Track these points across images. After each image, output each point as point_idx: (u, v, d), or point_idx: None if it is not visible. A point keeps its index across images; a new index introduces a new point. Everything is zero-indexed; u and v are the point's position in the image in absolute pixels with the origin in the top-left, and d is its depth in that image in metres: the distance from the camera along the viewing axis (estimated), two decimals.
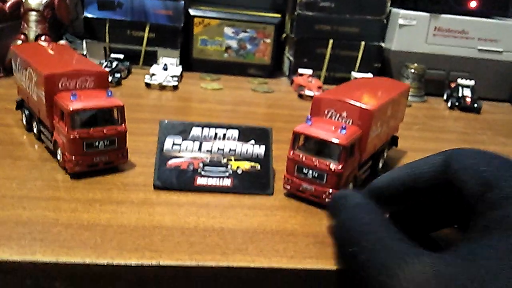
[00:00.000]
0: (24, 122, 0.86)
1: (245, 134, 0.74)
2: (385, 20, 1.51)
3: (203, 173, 0.70)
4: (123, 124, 0.71)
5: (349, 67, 1.54)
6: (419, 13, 1.46)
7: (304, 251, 0.57)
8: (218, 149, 0.73)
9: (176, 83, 1.29)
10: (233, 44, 1.51)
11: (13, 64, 0.88)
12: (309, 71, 1.48)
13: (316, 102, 0.73)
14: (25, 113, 0.85)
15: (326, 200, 0.66)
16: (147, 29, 1.45)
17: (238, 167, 0.72)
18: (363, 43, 1.52)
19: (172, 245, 0.55)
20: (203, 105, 1.19)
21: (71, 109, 0.66)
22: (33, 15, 1.23)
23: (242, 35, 1.51)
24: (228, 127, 0.74)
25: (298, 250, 0.57)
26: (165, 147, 0.72)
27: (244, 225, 0.62)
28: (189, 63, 1.52)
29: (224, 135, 0.74)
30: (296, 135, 0.67)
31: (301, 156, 0.67)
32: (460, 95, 1.41)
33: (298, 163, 0.67)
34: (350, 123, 0.70)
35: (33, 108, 0.80)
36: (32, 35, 1.24)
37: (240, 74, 1.53)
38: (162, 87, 1.28)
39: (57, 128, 0.70)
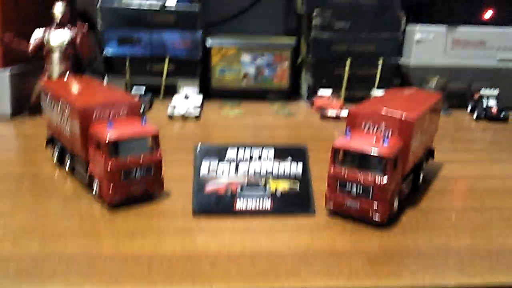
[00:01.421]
0: (55, 158, 0.86)
1: (281, 153, 0.72)
2: (401, 36, 1.51)
3: (241, 196, 0.68)
4: (158, 152, 0.70)
5: (369, 85, 1.53)
6: (436, 27, 1.46)
7: (360, 270, 0.54)
8: (255, 171, 0.71)
9: (197, 113, 1.29)
10: (251, 70, 1.52)
11: (42, 101, 0.89)
12: (329, 92, 1.48)
13: (352, 115, 0.71)
14: (56, 149, 0.85)
15: (374, 216, 0.63)
16: (166, 62, 1.47)
17: (277, 188, 0.70)
18: (380, 60, 1.51)
19: (221, 271, 0.53)
20: (227, 132, 1.18)
21: (108, 139, 0.66)
22: (56, 55, 1.25)
23: (259, 61, 1.52)
24: (264, 146, 0.73)
25: (354, 270, 0.54)
26: (201, 172, 0.70)
27: (292, 247, 0.59)
28: (208, 93, 1.52)
29: (260, 155, 0.72)
30: (335, 150, 0.66)
31: (343, 171, 0.65)
32: (485, 105, 1.39)
33: (340, 179, 0.65)
34: (390, 135, 0.68)
35: (65, 143, 0.80)
36: (55, 74, 1.26)
37: (259, 100, 1.53)
38: (184, 118, 1.28)
39: (93, 159, 0.70)
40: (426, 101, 0.80)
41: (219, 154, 0.72)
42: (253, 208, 0.68)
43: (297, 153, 0.73)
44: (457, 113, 1.45)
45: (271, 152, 0.72)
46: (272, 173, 0.71)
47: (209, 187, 0.69)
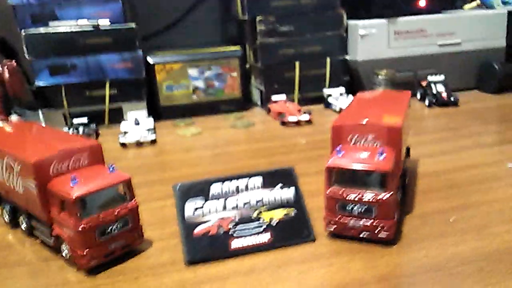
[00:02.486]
0: (7, 219, 0.74)
1: (269, 180, 0.67)
2: (344, 34, 1.51)
3: (235, 234, 0.62)
4: (133, 200, 0.62)
5: (320, 85, 1.52)
6: (377, 21, 1.47)
7: None
8: (245, 203, 0.65)
9: (153, 137, 1.20)
10: (200, 84, 1.45)
11: None
12: (283, 96, 1.45)
13: (337, 130, 0.67)
14: (6, 209, 0.73)
15: (380, 234, 0.60)
16: (107, 86, 1.36)
17: (271, 218, 0.64)
18: (328, 59, 1.51)
19: None
20: (191, 154, 1.11)
21: (75, 196, 0.57)
22: None
23: (207, 73, 1.45)
24: (250, 175, 0.67)
25: None
26: (186, 214, 0.63)
27: (305, 285, 0.54)
28: (157, 112, 1.43)
29: (247, 185, 0.66)
30: (330, 170, 0.62)
31: (341, 192, 0.61)
32: (435, 92, 1.43)
33: (339, 200, 0.61)
34: (378, 145, 0.65)
35: (18, 202, 0.69)
36: None
37: (212, 113, 1.46)
38: (139, 144, 1.19)
39: (59, 220, 0.60)
40: (400, 102, 0.78)
41: (202, 191, 0.65)
42: (250, 245, 0.62)
43: (285, 177, 0.68)
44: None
45: (259, 180, 0.67)
46: (262, 202, 0.66)
47: (198, 230, 0.62)
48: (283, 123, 1.30)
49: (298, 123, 1.29)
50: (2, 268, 0.62)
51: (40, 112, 1.34)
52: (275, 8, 1.44)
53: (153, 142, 1.20)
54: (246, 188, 0.66)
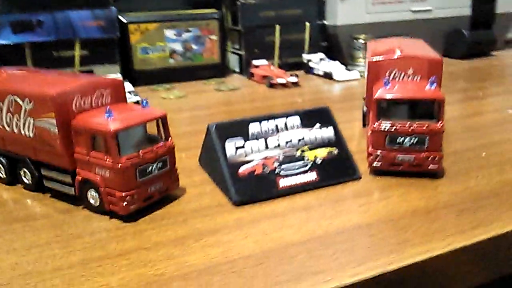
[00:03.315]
0: (2, 174, 0.64)
1: (307, 119, 0.63)
2: None
3: (282, 173, 0.58)
4: (170, 140, 0.56)
5: (299, 51, 1.49)
6: None
7: (463, 223, 0.49)
8: (286, 142, 0.61)
9: (137, 98, 1.11)
10: (178, 47, 1.37)
11: None
12: (264, 61, 1.40)
13: (374, 66, 0.65)
14: (1, 163, 0.63)
15: (430, 166, 0.59)
16: (77, 46, 1.23)
17: (316, 157, 0.61)
18: (307, 24, 1.48)
19: (316, 262, 0.43)
20: (183, 115, 1.04)
21: (113, 129, 0.50)
22: None
23: (185, 35, 1.37)
24: (287, 115, 0.63)
25: (456, 224, 0.49)
26: (228, 154, 0.58)
27: (372, 215, 0.52)
28: (131, 77, 1.33)
29: (286, 124, 0.62)
30: (380, 103, 0.59)
31: (392, 124, 0.59)
32: None
33: (389, 134, 0.59)
34: (419, 79, 0.64)
35: (22, 150, 0.60)
36: None
37: (191, 79, 1.38)
38: None
39: (88, 162, 0.53)
40: (421, 44, 0.78)
41: (241, 131, 0.60)
42: (298, 183, 0.58)
43: (322, 117, 0.64)
44: None
45: (296, 119, 0.63)
46: (305, 141, 0.62)
47: (243, 169, 0.57)
48: (271, 85, 1.26)
49: (285, 85, 1.26)
50: (16, 223, 0.53)
51: None
52: None
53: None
54: (286, 127, 0.62)
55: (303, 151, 0.61)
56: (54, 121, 0.53)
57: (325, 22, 1.51)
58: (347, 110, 0.95)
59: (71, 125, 0.53)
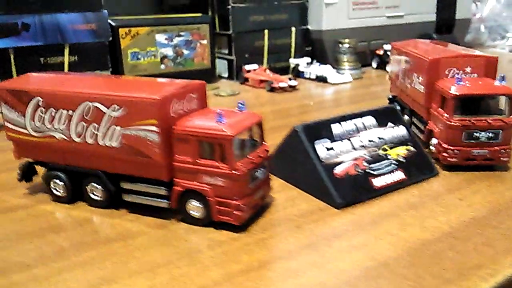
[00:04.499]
0: (61, 192, 0.57)
1: (381, 118, 0.64)
2: (307, 3, 1.52)
3: (373, 172, 0.58)
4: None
5: (285, 55, 1.50)
6: None
7: None
8: (370, 141, 0.61)
9: None
10: (169, 52, 1.31)
11: None
12: (255, 66, 1.40)
13: (435, 64, 0.67)
14: (59, 179, 0.56)
15: (502, 159, 0.62)
16: (66, 51, 1.14)
17: (398, 155, 0.62)
18: (293, 29, 1.50)
19: (466, 257, 0.44)
20: None
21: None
22: None
23: (176, 40, 1.32)
24: (361, 115, 0.63)
25: None
26: (320, 156, 0.57)
27: (480, 206, 0.53)
28: None
29: (363, 124, 0.62)
30: (456, 99, 0.61)
31: (469, 120, 0.61)
32: None
33: (467, 129, 0.61)
34: (475, 77, 0.67)
35: (92, 164, 0.54)
36: None
37: None
38: None
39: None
40: (451, 44, 0.82)
41: (326, 132, 0.59)
42: (390, 183, 0.58)
43: (391, 115, 0.65)
44: (366, 71, 1.55)
45: (371, 119, 0.63)
46: (385, 140, 0.62)
47: (338, 171, 0.56)
48: (272, 89, 1.26)
49: (283, 89, 1.26)
50: (114, 243, 0.48)
51: None
52: None
53: None
54: (364, 127, 0.62)
55: (385, 150, 0.61)
56: (154, 128, 0.48)
57: (308, 27, 1.54)
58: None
59: (172, 132, 0.49)
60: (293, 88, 1.27)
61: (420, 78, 0.72)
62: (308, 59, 1.49)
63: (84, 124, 0.52)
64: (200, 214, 0.50)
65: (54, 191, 0.58)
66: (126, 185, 0.54)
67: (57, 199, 0.58)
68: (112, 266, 0.44)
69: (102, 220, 0.53)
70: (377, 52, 1.59)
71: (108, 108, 0.50)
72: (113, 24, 1.21)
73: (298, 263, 0.43)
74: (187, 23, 1.33)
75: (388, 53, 1.54)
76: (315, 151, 0.57)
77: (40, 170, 0.61)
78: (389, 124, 0.64)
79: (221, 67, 1.50)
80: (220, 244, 0.47)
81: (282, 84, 1.25)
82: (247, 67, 1.39)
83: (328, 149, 0.58)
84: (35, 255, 0.46)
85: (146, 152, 0.50)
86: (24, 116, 0.56)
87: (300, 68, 1.45)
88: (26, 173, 0.61)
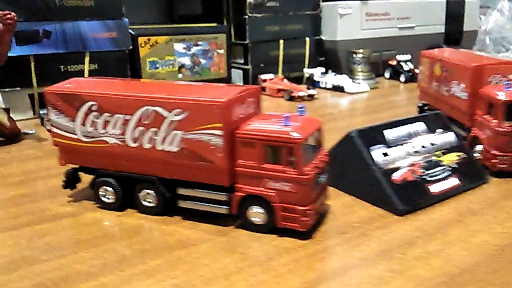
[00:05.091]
0: (111, 199, 0.55)
1: (431, 124, 0.64)
2: (320, 14, 1.53)
3: (429, 178, 0.57)
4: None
5: (300, 65, 1.51)
6: (352, 2, 1.52)
7: None
8: (422, 146, 0.60)
9: None
10: (186, 61, 1.31)
11: None
12: (271, 75, 1.39)
13: (479, 71, 0.67)
14: (111, 185, 0.55)
15: None
16: (86, 60, 1.13)
17: (450, 161, 0.61)
18: (307, 39, 1.50)
19: None
20: None
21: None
22: None
23: (194, 49, 1.32)
24: (411, 120, 0.63)
25: None
26: (377, 162, 0.56)
27: None
28: None
29: (415, 130, 0.62)
30: (506, 105, 0.61)
31: None
32: (406, 69, 1.53)
33: None
34: None
35: (147, 170, 0.52)
36: None
37: None
38: None
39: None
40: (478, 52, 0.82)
41: (380, 137, 0.58)
42: (446, 189, 0.57)
43: (439, 122, 0.65)
44: (379, 81, 1.55)
45: (421, 125, 0.63)
46: (437, 146, 0.62)
47: (396, 177, 0.55)
48: (291, 98, 1.25)
49: (302, 98, 1.26)
50: (177, 251, 0.46)
51: None
52: None
53: None
54: (416, 133, 0.62)
55: (438, 156, 0.61)
56: (218, 132, 0.47)
57: (322, 37, 1.55)
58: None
59: (235, 136, 0.48)
60: (311, 97, 1.27)
61: (462, 85, 0.72)
62: (322, 69, 1.49)
63: (142, 128, 0.51)
64: (262, 220, 0.49)
65: (103, 198, 0.56)
66: (183, 191, 0.52)
67: (105, 206, 0.56)
68: (184, 274, 0.42)
69: (157, 227, 0.52)
70: (390, 62, 1.59)
71: (169, 112, 0.49)
72: (132, 33, 1.21)
73: (378, 270, 0.42)
74: (205, 32, 1.33)
75: (402, 63, 1.56)
76: (371, 156, 0.56)
77: (84, 177, 0.59)
78: (438, 130, 0.64)
79: (235, 76, 1.49)
80: (288, 251, 0.46)
81: (301, 93, 1.25)
82: (263, 76, 1.39)
83: (384, 154, 0.57)
84: (98, 263, 0.44)
85: (208, 157, 0.49)
86: (74, 121, 0.54)
87: (315, 78, 1.45)
88: (71, 180, 0.59)
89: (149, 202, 0.54)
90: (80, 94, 0.54)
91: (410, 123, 0.62)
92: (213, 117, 0.47)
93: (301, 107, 0.52)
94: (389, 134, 0.60)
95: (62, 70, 1.11)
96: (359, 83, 1.40)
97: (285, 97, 1.27)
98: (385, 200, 0.54)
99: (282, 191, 0.47)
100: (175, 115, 0.49)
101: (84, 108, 0.54)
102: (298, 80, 1.47)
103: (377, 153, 0.57)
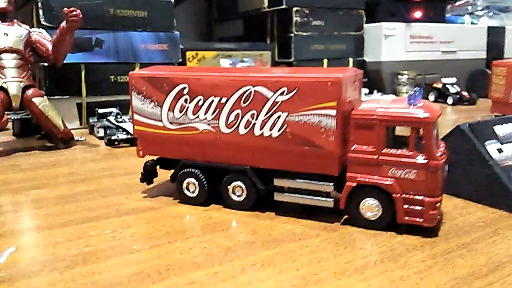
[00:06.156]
0: (194, 192, 0.50)
1: None
2: (363, 36, 1.51)
3: None
4: None
5: None
6: (396, 24, 1.50)
7: None
8: None
9: None
10: None
11: None
12: None
13: None
14: (197, 178, 0.50)
15: None
16: None
17: None
18: (351, 59, 1.48)
19: None
20: None
21: (433, 118, 0.41)
22: (8, 59, 0.79)
23: (240, 65, 1.29)
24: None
25: None
26: (494, 157, 0.50)
27: None
28: None
29: None
30: None
31: None
32: (453, 92, 1.49)
33: None
34: None
35: (241, 160, 0.47)
36: (14, 89, 0.79)
37: None
38: None
39: (375, 162, 0.42)
40: None
41: (492, 132, 0.53)
42: None
43: None
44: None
45: None
46: None
47: None
48: None
49: None
50: (292, 243, 0.40)
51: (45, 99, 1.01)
52: (307, 0, 1.37)
53: None
54: None
55: None
56: (332, 112, 0.42)
57: (365, 58, 1.52)
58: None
59: (352, 116, 0.43)
60: None
61: None
62: (366, 90, 1.46)
63: (240, 111, 0.46)
64: (377, 214, 0.43)
65: (186, 191, 0.51)
66: (282, 183, 0.47)
67: (188, 200, 0.51)
68: (307, 266, 0.36)
69: (251, 221, 0.46)
70: (435, 85, 1.55)
71: (274, 92, 0.45)
72: (181, 46, 1.19)
73: None
74: (251, 49, 1.31)
75: (448, 86, 1.52)
76: (487, 151, 0.50)
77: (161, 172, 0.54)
78: None
79: None
80: (418, 248, 0.39)
81: None
82: None
83: (499, 151, 0.51)
84: (201, 253, 0.39)
85: (316, 141, 0.43)
86: (161, 107, 0.50)
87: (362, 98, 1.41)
88: (151, 173, 0.54)
89: (239, 195, 0.49)
90: (170, 76, 0.50)
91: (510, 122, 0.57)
92: (327, 95, 0.42)
93: (417, 90, 0.47)
94: (499, 130, 0.54)
95: (112, 80, 1.08)
96: None
97: None
98: (507, 198, 0.48)
99: (405, 180, 0.41)
100: (281, 95, 0.44)
101: (174, 92, 0.49)
102: None
103: (492, 149, 0.51)
